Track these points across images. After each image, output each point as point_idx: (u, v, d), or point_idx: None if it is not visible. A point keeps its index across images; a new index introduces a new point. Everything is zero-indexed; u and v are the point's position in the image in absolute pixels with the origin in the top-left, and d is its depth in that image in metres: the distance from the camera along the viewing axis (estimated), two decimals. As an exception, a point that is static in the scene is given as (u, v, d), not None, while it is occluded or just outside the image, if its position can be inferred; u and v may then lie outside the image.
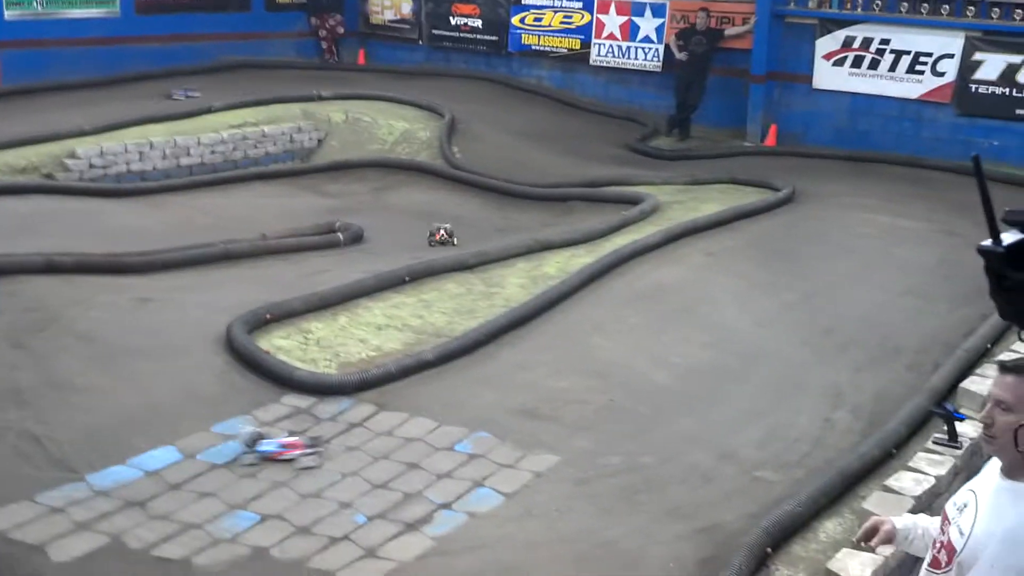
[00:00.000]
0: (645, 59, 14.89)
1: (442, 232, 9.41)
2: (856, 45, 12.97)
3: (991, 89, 12.02)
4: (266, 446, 5.20)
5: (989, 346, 6.62)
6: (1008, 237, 1.54)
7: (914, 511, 4.58)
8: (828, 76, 13.27)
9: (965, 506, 2.59)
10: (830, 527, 4.74)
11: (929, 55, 12.42)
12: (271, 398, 5.80)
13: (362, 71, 16.93)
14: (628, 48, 15.01)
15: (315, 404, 5.76)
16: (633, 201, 10.24)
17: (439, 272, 7.83)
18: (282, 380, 5.94)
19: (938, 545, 2.65)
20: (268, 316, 6.64)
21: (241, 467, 5.08)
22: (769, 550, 4.42)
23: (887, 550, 3.97)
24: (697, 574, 4.36)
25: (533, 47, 16.01)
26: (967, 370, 6.27)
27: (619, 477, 5.17)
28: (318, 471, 5.11)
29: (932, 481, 4.84)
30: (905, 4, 12.54)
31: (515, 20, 16.09)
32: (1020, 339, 2.28)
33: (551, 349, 6.73)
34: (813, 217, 10.04)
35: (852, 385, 6.35)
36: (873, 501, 4.67)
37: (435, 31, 17.12)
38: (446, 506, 4.87)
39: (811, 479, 5.05)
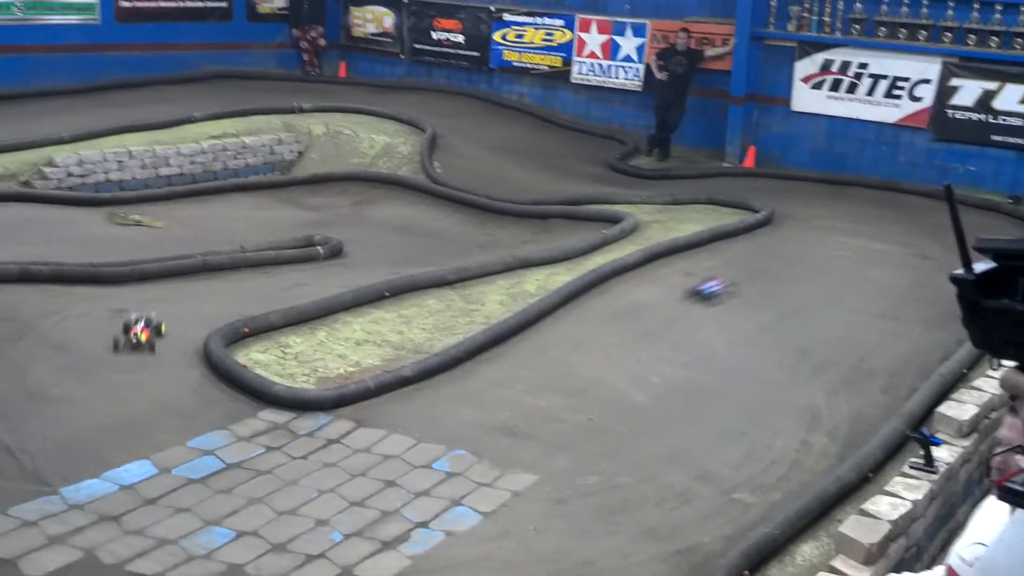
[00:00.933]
0: (626, 78, 14.96)
1: (140, 326, 6.33)
2: (834, 69, 13.09)
3: (967, 115, 12.13)
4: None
5: (965, 371, 6.67)
6: (980, 266, 1.57)
7: (891, 536, 4.62)
8: (806, 99, 13.37)
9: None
10: (807, 550, 4.77)
11: (906, 80, 12.54)
12: (248, 412, 5.77)
13: (343, 84, 16.89)
14: (609, 67, 15.07)
15: (293, 419, 5.74)
16: (613, 220, 10.28)
17: (419, 288, 7.82)
18: (259, 395, 5.91)
19: None
20: (245, 330, 6.61)
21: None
22: (746, 573, 4.44)
23: None
24: (674, 596, 4.38)
25: (514, 63, 16.04)
26: (943, 395, 6.30)
27: (596, 497, 5.18)
28: (294, 487, 5.09)
29: (909, 505, 4.86)
30: (883, 29, 12.65)
31: (497, 36, 16.11)
32: (992, 368, 2.28)
33: (530, 367, 6.74)
34: (790, 239, 10.11)
35: (828, 407, 6.38)
36: (850, 525, 4.70)
37: (417, 45, 17.12)
38: (423, 524, 4.86)
39: (788, 502, 5.08)
